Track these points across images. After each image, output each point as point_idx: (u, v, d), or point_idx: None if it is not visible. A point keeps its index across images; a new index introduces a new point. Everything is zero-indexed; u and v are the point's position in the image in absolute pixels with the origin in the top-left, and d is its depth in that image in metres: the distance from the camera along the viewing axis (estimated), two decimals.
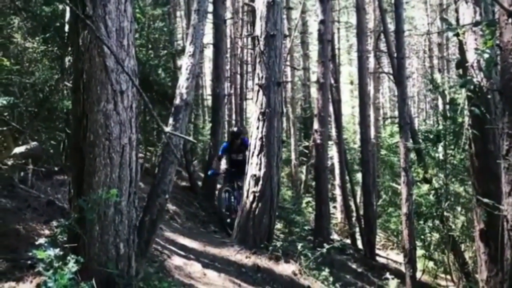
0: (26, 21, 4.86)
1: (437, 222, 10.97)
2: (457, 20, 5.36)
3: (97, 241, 3.19)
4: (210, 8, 11.21)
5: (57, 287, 2.27)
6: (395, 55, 8.95)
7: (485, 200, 4.60)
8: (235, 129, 9.55)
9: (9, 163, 3.96)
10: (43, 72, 4.07)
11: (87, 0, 3.14)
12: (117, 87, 3.22)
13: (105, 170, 3.20)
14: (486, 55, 4.55)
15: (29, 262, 3.76)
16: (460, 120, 6.69)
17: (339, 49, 23.02)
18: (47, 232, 4.95)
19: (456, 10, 6.27)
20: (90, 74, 3.19)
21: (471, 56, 4.93)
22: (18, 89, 3.74)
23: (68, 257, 2.64)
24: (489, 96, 4.83)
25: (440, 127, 11.33)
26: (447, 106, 11.75)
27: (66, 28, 6.19)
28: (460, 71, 5.31)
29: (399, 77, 8.36)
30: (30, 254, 3.88)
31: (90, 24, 2.93)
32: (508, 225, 3.75)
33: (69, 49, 4.41)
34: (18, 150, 4.26)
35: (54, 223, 3.06)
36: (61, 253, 2.50)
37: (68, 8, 6.06)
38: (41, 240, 2.55)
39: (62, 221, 2.98)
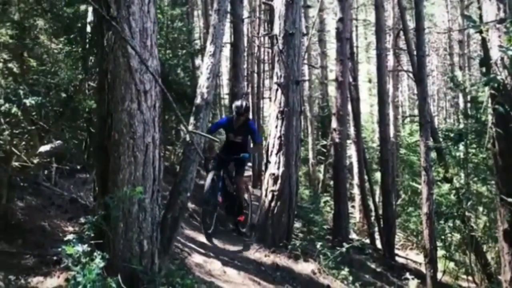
0: (50, 22, 4.97)
1: (458, 222, 10.82)
2: (480, 17, 5.28)
3: (121, 238, 3.25)
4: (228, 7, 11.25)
5: (86, 281, 2.34)
6: (415, 53, 8.86)
7: (510, 199, 4.52)
8: (239, 103, 6.87)
9: (35, 161, 4.06)
10: (67, 73, 4.16)
11: (111, 2, 3.20)
12: (141, 86, 3.27)
13: (129, 168, 3.26)
14: (510, 52, 4.48)
15: (55, 258, 3.86)
16: (483, 118, 6.58)
17: (357, 47, 22.87)
18: (71, 229, 5.06)
19: (479, 7, 6.17)
20: (114, 74, 3.25)
21: (494, 54, 4.85)
22: (44, 89, 3.83)
23: (95, 253, 2.71)
24: None
25: (461, 125, 11.18)
26: (469, 104, 11.56)
27: (88, 28, 6.33)
28: (484, 69, 5.23)
29: (419, 75, 8.28)
30: (56, 250, 4.01)
31: (115, 25, 2.99)
32: None
33: (92, 49, 4.50)
34: (43, 148, 4.37)
35: (81, 220, 3.13)
36: (89, 249, 2.56)
37: (90, 9, 6.19)
38: (69, 237, 2.61)
39: (89, 217, 3.04)
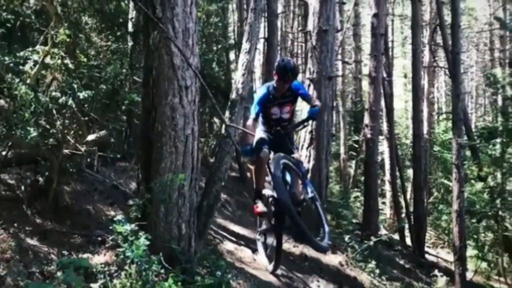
0: (95, 17, 5.31)
1: (491, 221, 10.70)
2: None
3: (162, 221, 3.54)
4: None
5: (135, 256, 2.63)
6: (451, 49, 8.81)
7: None
8: (285, 60, 4.41)
9: (83, 149, 4.41)
10: (114, 68, 4.48)
11: (157, 3, 3.46)
12: (182, 82, 3.53)
13: (170, 158, 3.54)
14: None
15: (99, 238, 4.21)
16: None
17: (392, 41, 22.53)
18: (112, 213, 5.44)
19: None
20: (159, 71, 3.52)
21: None
22: (94, 84, 4.17)
23: (140, 233, 3.00)
24: None
25: (498, 123, 10.98)
26: (507, 102, 11.35)
27: (130, 25, 6.68)
28: None
29: (454, 72, 8.25)
30: (101, 231, 4.36)
31: (160, 26, 3.25)
32: None
33: (136, 46, 4.81)
34: (90, 137, 4.72)
35: (130, 202, 3.43)
36: (136, 228, 2.86)
37: (131, 5, 6.52)
38: (119, 217, 2.91)
39: (136, 200, 3.35)
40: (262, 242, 5.74)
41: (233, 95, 4.80)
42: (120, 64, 4.82)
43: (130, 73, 4.91)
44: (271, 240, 5.41)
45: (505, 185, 10.10)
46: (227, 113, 4.78)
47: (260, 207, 4.48)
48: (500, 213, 9.95)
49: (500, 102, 18.94)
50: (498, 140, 8.73)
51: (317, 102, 4.76)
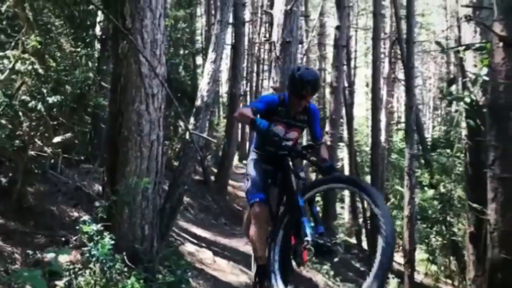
0: (62, 20, 5.39)
1: (442, 226, 11.32)
2: (459, 38, 5.76)
3: (126, 222, 3.70)
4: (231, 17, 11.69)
5: (100, 254, 2.80)
6: (405, 63, 9.33)
7: (474, 205, 5.01)
8: (301, 69, 3.21)
9: (48, 151, 4.50)
10: (81, 72, 4.60)
11: (127, 15, 3.65)
12: (149, 90, 3.72)
13: (136, 162, 3.72)
14: (483, 72, 4.96)
15: (63, 238, 4.31)
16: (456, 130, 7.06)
17: (356, 51, 23.31)
18: (76, 214, 5.51)
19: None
20: (127, 78, 3.70)
21: (470, 72, 5.33)
22: (63, 88, 4.27)
23: (105, 233, 3.17)
24: (484, 110, 5.22)
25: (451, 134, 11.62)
26: (452, 115, 12.06)
27: (98, 28, 6.76)
28: (453, 86, 5.69)
29: (408, 85, 8.76)
30: (65, 232, 4.46)
31: (130, 37, 3.44)
32: (491, 228, 4.17)
33: (105, 53, 4.94)
34: (56, 139, 4.81)
35: (96, 203, 3.56)
36: (101, 228, 3.03)
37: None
38: (85, 217, 3.07)
39: (102, 202, 3.51)
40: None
41: (198, 102, 5.03)
42: (88, 68, 4.94)
43: (98, 78, 5.03)
44: None
45: (454, 192, 10.74)
46: (192, 119, 4.99)
47: None
48: (448, 218, 10.57)
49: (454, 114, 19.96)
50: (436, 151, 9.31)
51: (321, 140, 3.53)
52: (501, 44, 4.06)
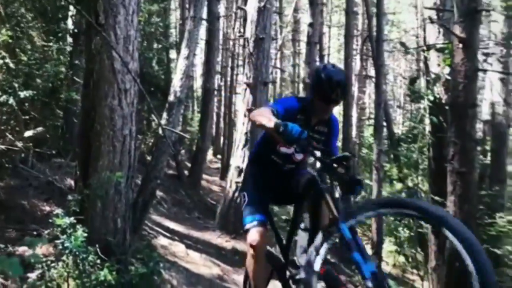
0: (33, 14, 5.35)
1: (409, 219, 11.71)
2: (424, 38, 6.01)
3: (99, 215, 3.76)
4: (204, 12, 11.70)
5: (73, 246, 2.86)
6: (375, 61, 9.59)
7: (436, 198, 5.27)
8: (329, 68, 2.65)
9: (19, 145, 4.49)
10: (53, 66, 4.59)
11: (100, 11, 3.68)
12: (122, 86, 3.77)
13: (108, 156, 3.77)
14: (446, 71, 5.22)
15: (35, 232, 4.32)
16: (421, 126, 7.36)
17: (329, 47, 23.62)
18: (47, 208, 5.50)
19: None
20: (99, 74, 3.74)
21: (433, 71, 5.58)
22: (34, 82, 4.26)
23: (77, 226, 3.23)
24: (446, 107, 5.49)
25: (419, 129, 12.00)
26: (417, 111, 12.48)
27: (70, 22, 6.71)
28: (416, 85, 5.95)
29: (377, 82, 9.02)
30: (36, 226, 4.46)
31: (103, 34, 3.48)
32: None
33: (77, 47, 4.94)
34: (27, 134, 4.80)
35: (69, 197, 3.59)
36: (75, 221, 3.08)
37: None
38: (58, 211, 3.12)
39: (75, 195, 3.55)
40: None
41: (171, 98, 5.09)
42: (60, 63, 4.93)
43: (70, 72, 5.02)
44: None
45: (422, 186, 11.13)
46: (164, 114, 5.06)
47: None
48: None
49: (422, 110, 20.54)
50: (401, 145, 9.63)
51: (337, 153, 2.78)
52: (460, 45, 4.30)
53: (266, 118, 2.30)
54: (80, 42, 5.09)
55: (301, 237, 2.83)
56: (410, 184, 11.30)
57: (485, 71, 5.60)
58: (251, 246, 2.58)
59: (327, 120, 2.80)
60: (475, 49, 4.17)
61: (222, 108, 22.61)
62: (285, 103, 2.69)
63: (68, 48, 5.20)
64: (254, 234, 2.57)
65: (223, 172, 15.89)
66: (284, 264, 2.79)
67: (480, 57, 6.39)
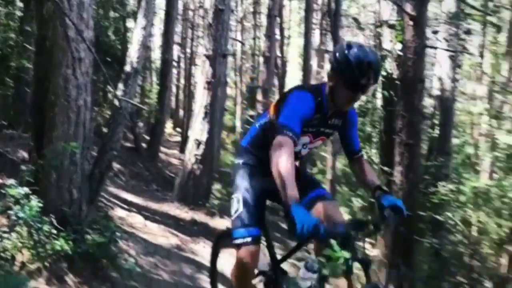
0: None
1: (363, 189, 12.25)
2: (379, 14, 6.17)
3: (54, 186, 3.73)
4: None
5: (27, 216, 2.85)
6: (333, 36, 9.72)
7: (385, 168, 5.56)
8: (355, 48, 2.17)
9: None
10: (2, 33, 4.40)
11: None
12: (76, 54, 3.69)
13: (63, 127, 3.72)
14: (397, 47, 5.42)
15: None
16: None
17: (290, 20, 23.59)
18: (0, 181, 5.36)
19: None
20: (52, 41, 3.64)
21: (386, 46, 5.78)
22: None
23: (31, 197, 3.20)
24: (397, 82, 5.73)
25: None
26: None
27: None
28: None
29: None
30: None
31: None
32: (396, 188, 4.70)
33: (29, 13, 4.73)
34: None
35: (22, 167, 3.52)
36: (30, 192, 3.06)
37: None
38: (11, 181, 3.08)
39: (29, 166, 3.50)
40: None
41: (128, 68, 5.02)
42: (9, 28, 4.72)
43: (20, 39, 4.82)
44: None
45: (375, 158, 11.61)
46: (121, 86, 4.99)
47: None
48: None
49: None
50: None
51: (373, 175, 2.56)
52: (411, 22, 4.48)
53: (290, 185, 1.91)
54: (31, 7, 4.87)
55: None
56: (365, 157, 11.76)
57: (433, 48, 5.86)
58: (239, 266, 2.38)
59: (346, 112, 2.44)
60: (424, 27, 4.36)
61: (182, 81, 22.30)
62: (301, 110, 2.24)
63: (18, 13, 4.97)
64: (245, 254, 2.31)
65: (183, 145, 15.82)
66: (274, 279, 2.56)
67: (432, 35, 6.67)
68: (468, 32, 6.60)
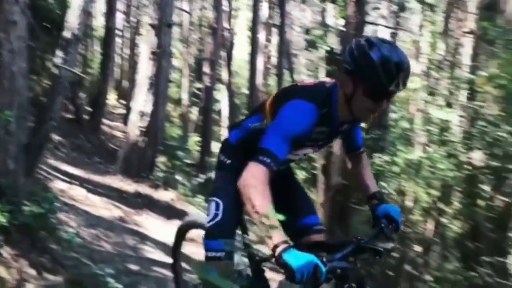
0: None
1: (306, 162, 12.66)
2: None
3: None
4: None
5: None
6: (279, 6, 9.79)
7: None
8: (380, 45, 1.71)
9: None
10: None
11: None
12: (10, 17, 3.49)
13: None
14: (340, 23, 5.57)
15: None
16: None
17: None
18: None
19: None
20: None
21: (330, 22, 5.93)
22: None
23: None
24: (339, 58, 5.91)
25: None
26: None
27: None
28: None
29: (280, 31, 9.29)
30: None
31: None
32: (334, 160, 4.93)
33: None
34: None
35: None
36: None
37: None
38: None
39: None
40: None
41: (68, 35, 4.81)
42: None
43: None
44: None
45: None
46: (60, 53, 4.78)
47: None
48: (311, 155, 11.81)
49: None
50: None
51: (362, 149, 2.35)
52: None
53: (274, 228, 1.60)
54: None
55: None
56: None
57: (373, 24, 6.07)
58: None
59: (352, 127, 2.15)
60: (365, 3, 4.51)
61: (126, 51, 21.54)
62: (295, 129, 1.81)
63: None
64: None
65: (127, 117, 15.43)
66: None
67: (374, 12, 6.89)
68: (402, 8, 6.88)
